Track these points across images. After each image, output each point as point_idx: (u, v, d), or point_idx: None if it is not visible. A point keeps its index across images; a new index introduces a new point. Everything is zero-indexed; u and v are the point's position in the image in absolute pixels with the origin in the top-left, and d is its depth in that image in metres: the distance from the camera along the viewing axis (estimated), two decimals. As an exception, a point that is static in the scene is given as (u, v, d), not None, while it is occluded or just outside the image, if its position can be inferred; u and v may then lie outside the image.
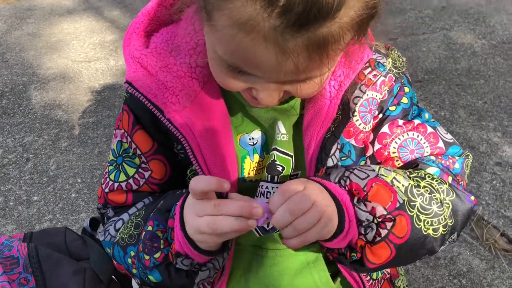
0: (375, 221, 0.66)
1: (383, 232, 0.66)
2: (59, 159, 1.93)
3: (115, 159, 0.80)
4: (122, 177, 0.79)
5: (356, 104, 0.72)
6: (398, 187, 0.67)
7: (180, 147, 0.76)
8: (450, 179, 0.76)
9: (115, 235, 0.79)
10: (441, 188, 0.71)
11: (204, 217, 0.62)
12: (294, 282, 0.82)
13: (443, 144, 0.79)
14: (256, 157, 0.77)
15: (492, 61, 2.60)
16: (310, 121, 0.73)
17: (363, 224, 0.66)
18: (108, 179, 0.81)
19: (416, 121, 0.79)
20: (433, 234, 0.69)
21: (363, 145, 0.77)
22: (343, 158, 0.75)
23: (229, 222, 0.60)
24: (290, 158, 0.75)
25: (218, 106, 0.73)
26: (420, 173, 0.73)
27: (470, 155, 0.82)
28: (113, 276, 0.87)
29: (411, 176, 0.71)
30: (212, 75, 0.68)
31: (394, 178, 0.68)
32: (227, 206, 0.61)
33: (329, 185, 0.67)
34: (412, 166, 0.78)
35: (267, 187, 0.76)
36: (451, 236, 0.72)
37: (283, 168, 0.76)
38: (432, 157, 0.78)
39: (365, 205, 0.66)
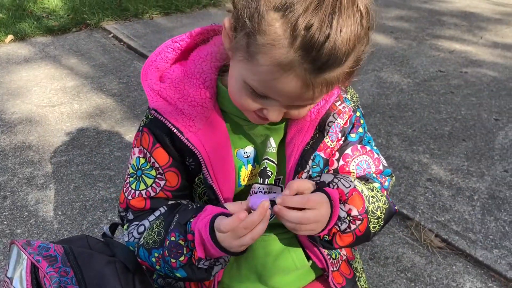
0: (349, 218, 0.92)
1: (353, 227, 0.93)
2: (37, 195, 2.04)
3: (135, 172, 0.99)
4: (142, 186, 0.98)
5: (330, 127, 0.98)
6: (365, 196, 0.95)
7: (192, 160, 0.97)
8: (385, 192, 1.05)
9: (138, 237, 0.97)
10: (382, 199, 1.00)
11: (245, 236, 0.81)
12: (277, 262, 1.04)
13: (382, 167, 1.08)
14: (249, 167, 1.00)
15: (417, 96, 3.01)
16: (292, 137, 0.98)
17: (340, 219, 0.92)
18: (130, 188, 1.00)
19: (368, 147, 1.07)
20: (372, 230, 0.97)
21: (328, 158, 1.03)
22: (314, 166, 1.00)
23: (264, 228, 0.82)
24: (275, 166, 1.00)
25: (221, 128, 0.95)
26: (370, 186, 1.01)
27: (394, 177, 1.13)
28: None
29: (367, 187, 0.99)
30: (217, 103, 0.95)
31: (362, 189, 0.95)
32: (252, 221, 0.81)
33: (332, 195, 0.89)
34: (363, 179, 1.05)
35: (259, 188, 0.99)
36: (379, 231, 1.01)
37: (271, 173, 0.99)
38: (374, 175, 1.07)
39: (344, 206, 0.92)
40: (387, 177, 1.08)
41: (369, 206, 0.94)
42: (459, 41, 3.98)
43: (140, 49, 3.57)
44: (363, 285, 1.13)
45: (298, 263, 1.06)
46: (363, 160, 1.05)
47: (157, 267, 0.94)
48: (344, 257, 1.13)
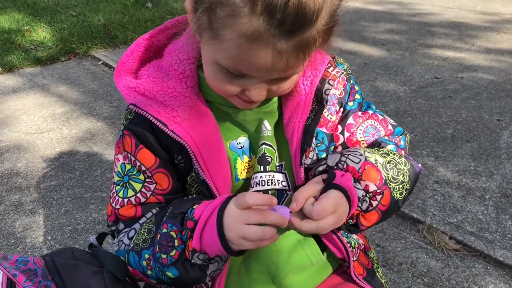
0: (368, 195, 0.84)
1: (374, 203, 0.84)
2: (25, 221, 1.92)
3: (121, 179, 0.90)
4: (130, 192, 0.89)
5: (327, 95, 0.90)
6: (380, 165, 0.86)
7: (180, 157, 0.88)
8: (402, 152, 0.96)
9: (129, 243, 0.88)
10: (400, 160, 0.90)
11: (251, 226, 0.74)
12: (290, 259, 0.93)
13: (391, 127, 1.00)
14: (245, 157, 0.90)
15: (415, 102, 2.95)
16: (290, 116, 0.89)
17: (359, 199, 0.83)
18: (117, 197, 0.90)
19: (370, 111, 1.00)
20: (399, 197, 0.87)
21: (331, 133, 0.94)
22: (318, 144, 0.91)
23: (273, 233, 0.75)
24: (274, 151, 0.91)
25: (208, 118, 0.87)
26: (384, 150, 0.92)
27: (408, 134, 1.04)
28: (127, 278, 0.93)
29: (381, 153, 0.89)
30: (201, 93, 0.86)
31: (375, 159, 0.86)
32: (270, 217, 0.75)
33: (345, 185, 0.82)
34: (375, 145, 0.96)
35: (261, 177, 0.90)
36: (408, 196, 0.91)
37: (271, 159, 0.90)
38: (386, 137, 0.98)
39: (359, 183, 0.84)
40: (400, 136, 1.00)
41: (387, 174, 0.85)
42: (451, 49, 3.95)
43: (130, 74, 3.51)
44: (381, 276, 1.03)
45: (313, 259, 0.95)
46: (369, 125, 0.98)
47: (149, 272, 0.85)
48: (362, 247, 1.03)
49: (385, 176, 0.85)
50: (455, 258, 1.67)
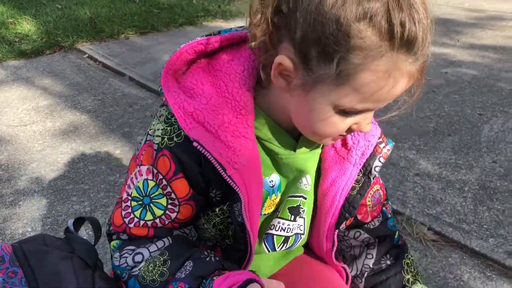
0: None
1: None
2: (5, 213, 1.91)
3: (141, 198, 0.83)
4: (149, 216, 0.83)
5: (377, 172, 0.90)
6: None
7: (219, 192, 0.83)
8: (398, 233, 1.04)
9: (132, 266, 0.83)
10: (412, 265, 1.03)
11: None
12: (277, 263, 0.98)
13: (385, 190, 1.03)
14: (274, 196, 0.89)
15: (399, 98, 2.96)
16: (335, 179, 0.88)
17: None
18: (132, 215, 0.84)
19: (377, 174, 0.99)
20: None
21: None
22: None
23: None
24: (306, 201, 0.92)
25: (258, 162, 0.81)
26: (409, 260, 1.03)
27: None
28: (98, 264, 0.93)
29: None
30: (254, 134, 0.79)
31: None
32: None
33: None
34: (387, 238, 1.03)
35: (288, 225, 0.92)
36: None
37: (304, 211, 0.92)
38: (384, 208, 1.03)
39: None
40: (389, 203, 1.05)
41: None
42: (437, 45, 3.98)
43: (115, 67, 3.49)
44: None
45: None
46: (376, 191, 0.99)
47: None
48: None
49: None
50: (432, 248, 1.69)
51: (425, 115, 2.70)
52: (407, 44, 0.63)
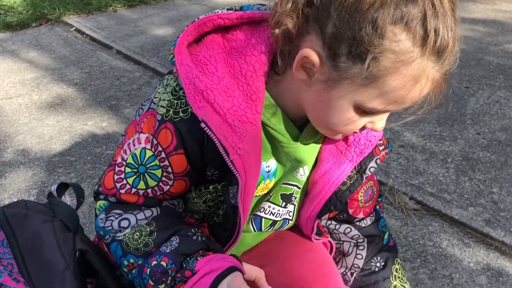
0: None
1: None
2: (-9, 184, 1.92)
3: (136, 166, 0.81)
4: (142, 185, 0.82)
5: (371, 172, 0.90)
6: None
7: (217, 172, 0.82)
8: (389, 232, 1.06)
9: (117, 230, 0.83)
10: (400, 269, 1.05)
11: None
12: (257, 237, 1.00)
13: (379, 187, 1.04)
14: (268, 181, 0.88)
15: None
16: (327, 170, 0.89)
17: None
18: (125, 181, 0.82)
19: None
20: None
21: None
22: None
23: None
24: (300, 190, 0.93)
25: (260, 149, 0.80)
26: (398, 273, 1.03)
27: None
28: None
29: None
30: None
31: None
32: None
33: None
34: (374, 233, 1.03)
35: (278, 210, 0.93)
36: None
37: (295, 199, 0.94)
38: (377, 207, 1.04)
39: None
40: (382, 202, 1.06)
41: None
42: (427, 18, 3.96)
43: (103, 40, 3.45)
44: None
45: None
46: (369, 188, 0.99)
47: (125, 269, 0.82)
48: None
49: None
50: (413, 217, 1.72)
51: (412, 88, 2.72)
52: (438, 52, 0.63)
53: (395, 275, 1.02)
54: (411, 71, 0.63)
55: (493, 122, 2.34)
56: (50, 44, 3.42)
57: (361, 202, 0.99)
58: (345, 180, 0.89)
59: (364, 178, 0.90)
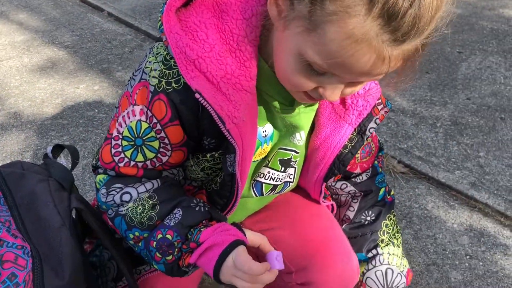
0: None
1: None
2: (-15, 147, 1.94)
3: (133, 139, 0.81)
4: (140, 157, 0.82)
5: (371, 133, 0.91)
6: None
7: (214, 141, 0.83)
8: (387, 189, 1.07)
9: (119, 204, 0.84)
10: (394, 223, 1.08)
11: (239, 280, 0.76)
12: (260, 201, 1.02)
13: (379, 143, 1.04)
14: (265, 145, 0.89)
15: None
16: (328, 136, 0.90)
17: None
18: (123, 155, 0.82)
19: None
20: None
21: None
22: None
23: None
24: (298, 155, 0.94)
25: (255, 116, 0.81)
26: (390, 227, 1.06)
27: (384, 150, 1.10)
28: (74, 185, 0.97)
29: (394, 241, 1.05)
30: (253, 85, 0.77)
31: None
32: (262, 279, 0.77)
33: None
34: (369, 192, 1.05)
35: (278, 175, 0.94)
36: None
37: (294, 163, 0.95)
38: (376, 164, 1.05)
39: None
40: (381, 157, 1.06)
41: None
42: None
43: (94, 2, 3.38)
44: None
45: None
46: (367, 144, 0.99)
47: (131, 242, 0.85)
48: None
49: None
50: (401, 180, 1.77)
51: (405, 53, 2.72)
52: (387, 16, 0.58)
53: (384, 230, 1.03)
54: (351, 28, 0.60)
55: (483, 87, 2.36)
56: (40, 6, 3.36)
57: (357, 159, 1.00)
58: (346, 143, 0.90)
59: (365, 140, 0.91)
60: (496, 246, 1.50)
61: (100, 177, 0.87)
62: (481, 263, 1.44)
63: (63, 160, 1.05)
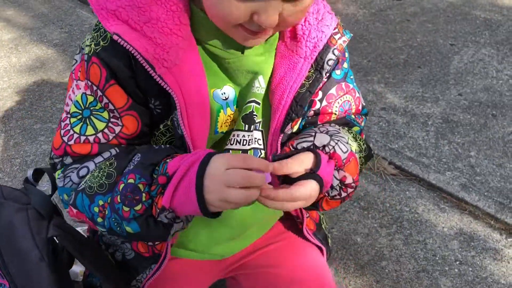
0: (340, 185, 0.81)
1: (343, 194, 0.82)
2: (-27, 154, 1.92)
3: (80, 112, 0.78)
4: (90, 130, 0.78)
5: (330, 66, 0.83)
6: (358, 157, 0.84)
7: (158, 103, 0.78)
8: (363, 137, 0.95)
9: (78, 182, 0.78)
10: (364, 147, 0.89)
11: (234, 189, 0.66)
12: (254, 215, 0.96)
13: (361, 106, 0.97)
14: (229, 110, 0.84)
15: (373, 26, 2.92)
16: (282, 77, 0.82)
17: (332, 186, 0.80)
18: (71, 131, 0.79)
19: (351, 85, 0.94)
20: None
21: (312, 99, 0.90)
22: None
23: (256, 195, 0.69)
24: (260, 107, 0.86)
25: (197, 63, 0.76)
26: (354, 134, 0.89)
27: (368, 115, 1.02)
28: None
29: (355, 140, 0.87)
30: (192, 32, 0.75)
31: (355, 148, 0.84)
32: (256, 180, 0.68)
33: (326, 180, 0.78)
34: (344, 124, 0.93)
35: (243, 136, 0.86)
36: None
37: (257, 118, 0.86)
38: (353, 116, 0.95)
39: (338, 173, 0.80)
40: (363, 117, 0.98)
41: (360, 166, 0.86)
42: (416, -31, 3.86)
43: (82, -4, 3.34)
44: (326, 227, 1.10)
45: (276, 212, 1.02)
46: (346, 101, 0.93)
47: (99, 219, 0.76)
48: None
49: (359, 168, 0.83)
50: (391, 182, 1.76)
51: (397, 46, 2.69)
52: None
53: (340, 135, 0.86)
54: None
55: (475, 81, 2.34)
56: (27, 1, 3.30)
57: (334, 116, 0.93)
58: (304, 81, 0.82)
59: (324, 75, 0.83)
60: (485, 250, 1.50)
61: (58, 172, 0.82)
62: (470, 269, 1.44)
63: (46, 183, 1.03)
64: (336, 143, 0.80)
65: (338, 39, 0.83)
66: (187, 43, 0.74)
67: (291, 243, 1.04)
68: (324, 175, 0.77)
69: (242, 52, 0.80)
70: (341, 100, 0.92)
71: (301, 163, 0.77)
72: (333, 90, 0.91)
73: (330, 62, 0.83)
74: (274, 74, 0.83)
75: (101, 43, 0.75)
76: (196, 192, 0.67)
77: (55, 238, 0.89)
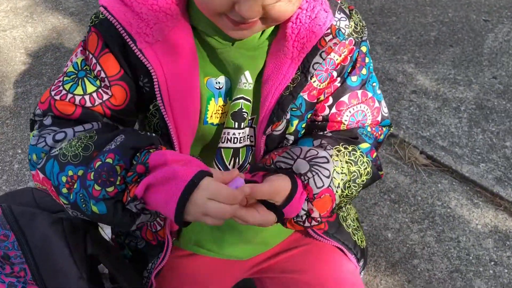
0: (306, 215, 0.77)
1: (307, 224, 0.78)
2: (-7, 133, 1.88)
3: (76, 72, 0.79)
4: (79, 90, 0.77)
5: (315, 69, 0.78)
6: (338, 193, 0.78)
7: (147, 80, 0.78)
8: (374, 155, 0.87)
9: (52, 145, 0.74)
10: (364, 171, 0.82)
11: (212, 202, 0.64)
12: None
13: (380, 118, 0.90)
14: (220, 101, 0.82)
15: (402, -1, 2.79)
16: (270, 75, 0.78)
17: (297, 215, 0.77)
18: (61, 88, 0.78)
19: (370, 94, 0.87)
20: (344, 206, 0.86)
21: (313, 102, 0.84)
22: (293, 109, 0.82)
23: (232, 211, 0.66)
24: (250, 104, 0.82)
25: (188, 46, 0.76)
26: (354, 157, 0.82)
27: (392, 126, 0.95)
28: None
29: (347, 166, 0.80)
30: (187, 14, 0.76)
31: (338, 183, 0.78)
32: (235, 199, 0.66)
33: (294, 212, 0.76)
34: (351, 134, 0.86)
35: (233, 134, 0.83)
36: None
37: (247, 115, 0.82)
38: (369, 128, 0.88)
39: (307, 204, 0.76)
40: (384, 129, 0.91)
41: (343, 193, 0.80)
42: None
43: (97, -41, 3.21)
44: (351, 224, 1.02)
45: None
46: (359, 111, 0.86)
47: (64, 190, 0.70)
48: None
49: (336, 204, 0.79)
50: (423, 173, 1.70)
51: (427, 22, 2.57)
52: None
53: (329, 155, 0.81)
54: None
55: (511, 63, 2.24)
56: (41, -36, 3.19)
57: (344, 126, 0.87)
58: (289, 84, 0.77)
59: (309, 79, 0.78)
60: (521, 250, 1.46)
61: (34, 132, 0.78)
62: (506, 270, 1.40)
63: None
64: (313, 176, 0.76)
65: (329, 41, 0.77)
66: (176, 22, 0.75)
67: (316, 247, 1.00)
68: (288, 212, 0.75)
69: (233, 44, 0.78)
70: (353, 109, 0.86)
71: (275, 193, 0.73)
72: (345, 98, 0.85)
73: (316, 66, 0.78)
74: (263, 72, 0.80)
75: (100, 16, 0.78)
76: (176, 208, 0.65)
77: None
